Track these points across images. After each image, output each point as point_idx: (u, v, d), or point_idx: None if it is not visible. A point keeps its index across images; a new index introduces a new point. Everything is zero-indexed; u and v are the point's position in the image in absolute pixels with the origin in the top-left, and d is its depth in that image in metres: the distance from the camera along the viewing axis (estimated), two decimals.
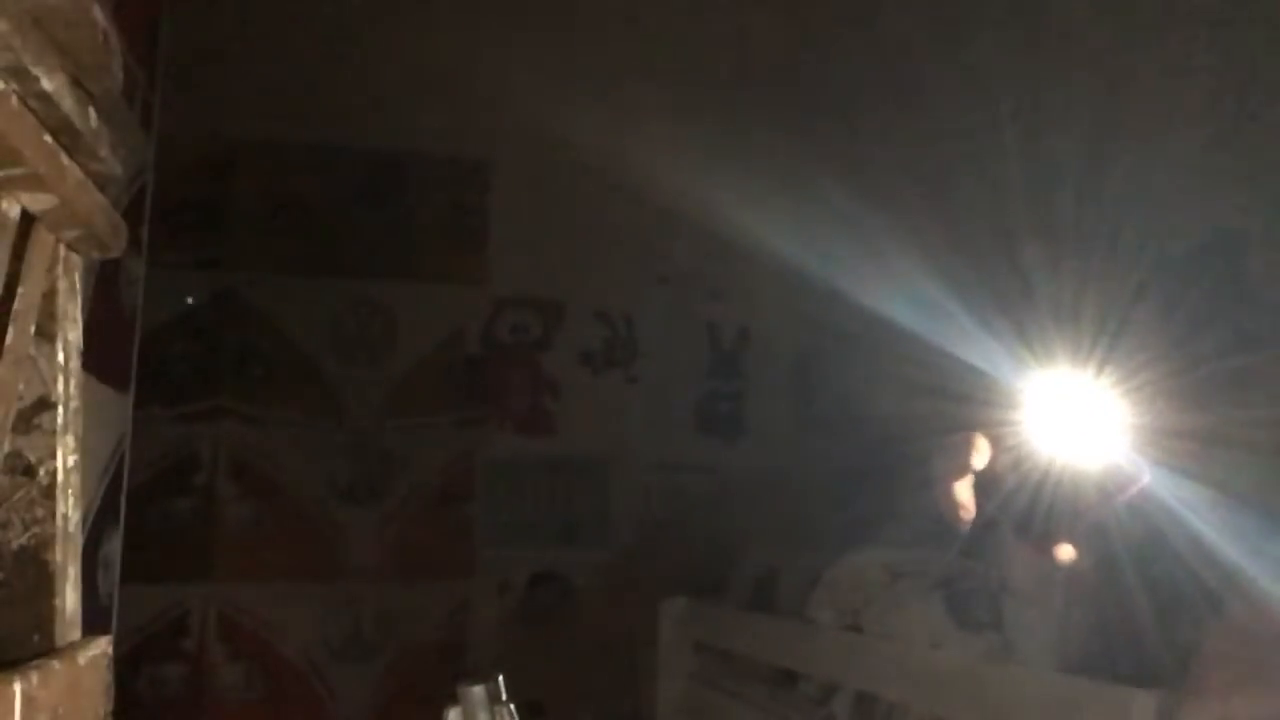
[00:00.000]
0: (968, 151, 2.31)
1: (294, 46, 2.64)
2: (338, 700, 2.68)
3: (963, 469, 1.00)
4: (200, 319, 2.68)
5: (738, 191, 2.28)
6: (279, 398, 2.71)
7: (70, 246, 0.66)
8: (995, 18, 2.27)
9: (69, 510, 0.64)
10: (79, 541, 0.66)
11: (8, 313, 0.57)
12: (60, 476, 0.63)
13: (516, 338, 2.93)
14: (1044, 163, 2.04)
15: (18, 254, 0.58)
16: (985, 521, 1.02)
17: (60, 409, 0.64)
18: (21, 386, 0.60)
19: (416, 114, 2.79)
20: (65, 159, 0.59)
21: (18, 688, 0.51)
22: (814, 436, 3.05)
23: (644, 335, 3.01)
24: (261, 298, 2.73)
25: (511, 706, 0.96)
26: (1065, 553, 0.99)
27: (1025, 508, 0.98)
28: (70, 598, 0.64)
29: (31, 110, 0.54)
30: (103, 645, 0.65)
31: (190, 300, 2.65)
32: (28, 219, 0.58)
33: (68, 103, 0.57)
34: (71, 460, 0.65)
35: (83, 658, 0.61)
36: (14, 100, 0.52)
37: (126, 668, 2.41)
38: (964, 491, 1.00)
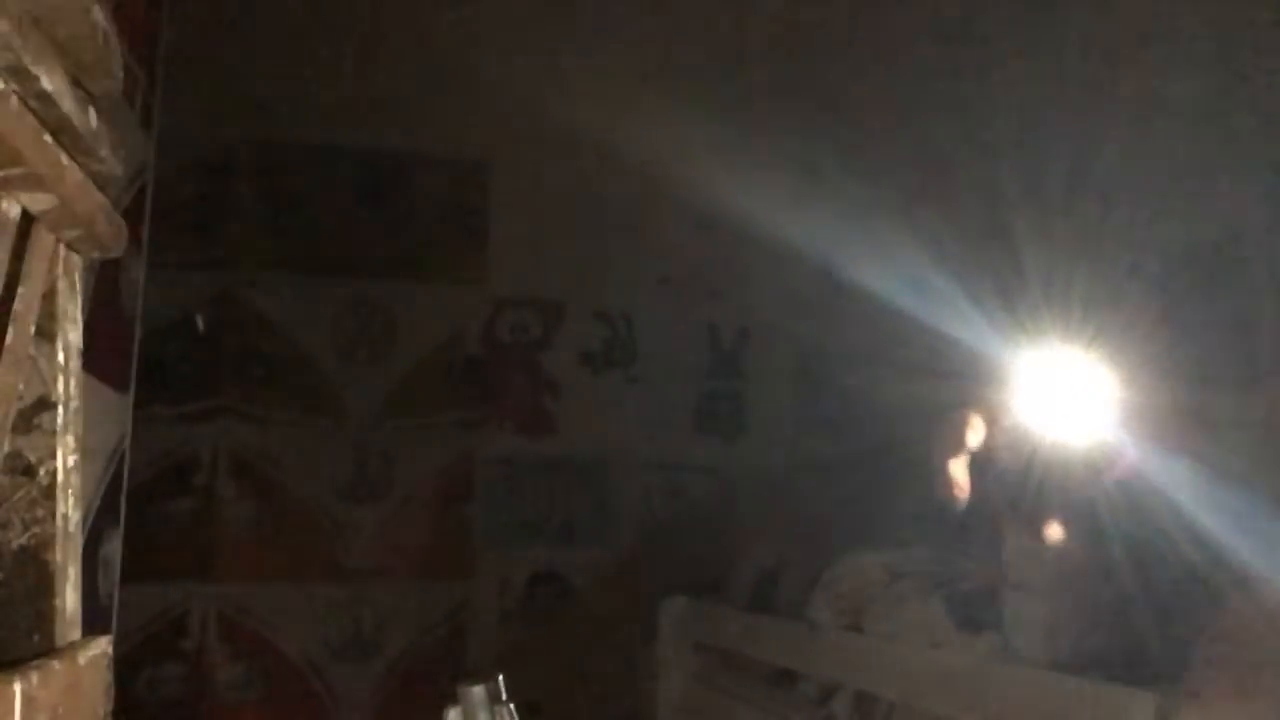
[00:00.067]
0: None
1: (294, 47, 2.64)
2: (338, 700, 2.68)
3: (957, 447, 1.00)
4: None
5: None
6: (279, 398, 2.71)
7: (70, 246, 0.66)
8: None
9: (69, 510, 0.64)
10: (79, 541, 0.66)
11: (8, 313, 0.56)
12: (60, 476, 0.63)
13: (516, 338, 2.93)
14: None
15: (18, 254, 0.58)
16: (980, 503, 1.02)
17: (60, 409, 0.64)
18: (21, 386, 0.60)
19: (416, 114, 2.79)
20: (65, 159, 0.59)
21: (18, 688, 0.51)
22: (814, 436, 3.05)
23: (644, 335, 3.01)
24: (261, 298, 2.72)
25: (511, 706, 0.96)
26: (1055, 531, 0.99)
27: (1016, 485, 0.98)
28: (70, 598, 0.64)
29: (31, 110, 0.54)
30: (103, 645, 0.65)
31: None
32: (28, 219, 0.58)
33: (68, 103, 0.57)
34: (71, 460, 0.65)
35: (83, 658, 0.61)
36: (14, 100, 0.52)
37: (126, 668, 2.40)
38: (959, 470, 1.01)
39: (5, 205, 0.55)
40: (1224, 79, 1.74)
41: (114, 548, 1.54)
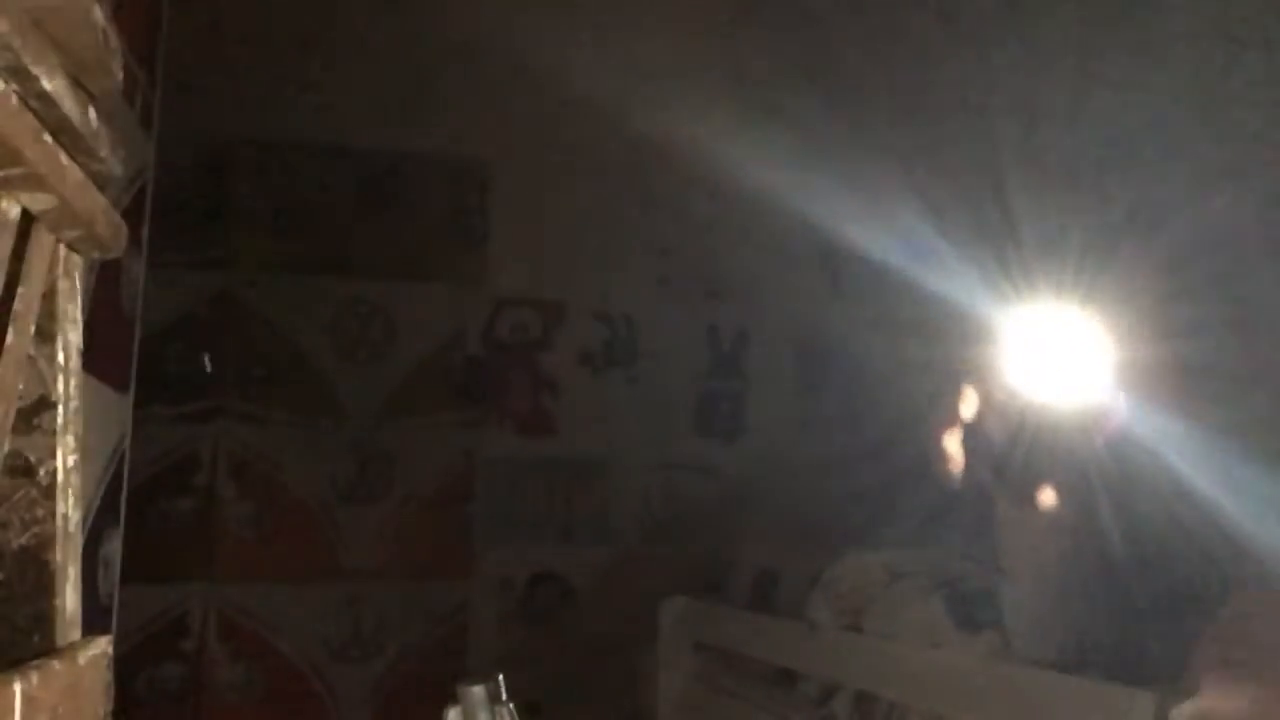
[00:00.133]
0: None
1: (294, 46, 2.65)
2: (338, 700, 2.68)
3: (951, 421, 1.00)
4: (200, 319, 2.68)
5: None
6: (279, 398, 2.71)
7: (70, 246, 0.66)
8: None
9: (69, 510, 0.64)
10: (79, 541, 0.66)
11: (8, 313, 0.56)
12: (60, 476, 0.63)
13: (516, 338, 2.93)
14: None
15: (18, 254, 0.58)
16: (971, 475, 1.02)
17: (60, 409, 0.64)
18: (21, 386, 0.60)
19: (416, 114, 2.79)
20: (65, 159, 0.59)
21: (18, 688, 0.51)
22: (814, 436, 3.05)
23: (644, 335, 3.01)
24: (261, 298, 2.72)
25: (511, 706, 0.96)
26: (1047, 497, 0.99)
27: (1004, 451, 0.98)
28: (70, 598, 0.64)
29: (31, 110, 0.54)
30: (103, 645, 0.65)
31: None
32: (28, 219, 0.58)
33: (68, 103, 0.57)
34: (71, 460, 0.65)
35: (83, 658, 0.61)
36: (14, 100, 0.52)
37: (126, 668, 2.40)
38: (952, 443, 1.01)
39: (5, 205, 0.55)
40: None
41: (114, 548, 1.55)
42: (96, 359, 1.15)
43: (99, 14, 0.60)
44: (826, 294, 3.07)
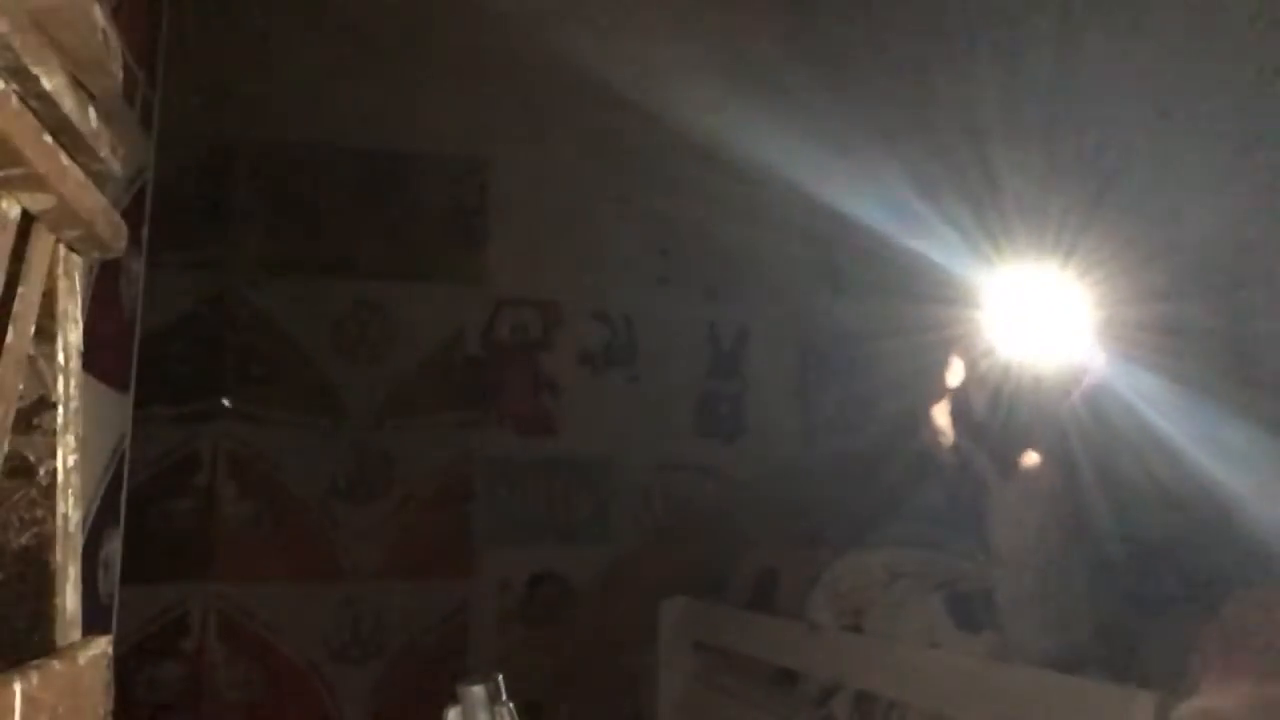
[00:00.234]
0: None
1: (294, 46, 2.65)
2: (338, 700, 2.68)
3: (939, 391, 1.00)
4: (200, 319, 2.68)
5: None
6: (279, 398, 2.71)
7: (70, 246, 0.66)
8: None
9: (69, 510, 0.64)
10: (79, 541, 0.66)
11: (8, 313, 0.56)
12: (60, 476, 0.63)
13: (516, 338, 2.93)
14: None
15: (18, 254, 0.58)
16: (962, 454, 1.02)
17: (60, 409, 0.64)
18: (21, 386, 0.60)
19: (416, 114, 2.79)
20: (65, 159, 0.59)
21: (18, 688, 0.51)
22: (814, 436, 3.06)
23: (644, 335, 3.01)
24: (261, 298, 2.73)
25: (511, 706, 0.96)
26: (1030, 459, 0.99)
27: (986, 419, 0.98)
28: (70, 598, 0.64)
29: (31, 110, 0.54)
30: (103, 645, 0.65)
31: (227, 402, 2.64)
32: (28, 219, 0.58)
33: (68, 103, 0.57)
34: (71, 460, 0.65)
35: (83, 658, 0.61)
36: (14, 100, 0.52)
37: (126, 668, 2.41)
38: (940, 416, 1.01)
39: (5, 205, 0.55)
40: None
41: (114, 548, 1.55)
42: (96, 359, 1.15)
43: (99, 14, 0.60)
44: (826, 294, 3.07)
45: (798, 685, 1.97)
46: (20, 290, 0.58)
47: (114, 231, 0.69)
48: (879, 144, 2.14)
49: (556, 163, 2.92)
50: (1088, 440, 1.03)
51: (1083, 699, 1.21)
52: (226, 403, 2.65)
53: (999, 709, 1.36)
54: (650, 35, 2.54)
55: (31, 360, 0.62)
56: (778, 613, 2.10)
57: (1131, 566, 1.35)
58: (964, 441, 1.06)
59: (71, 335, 0.67)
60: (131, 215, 1.39)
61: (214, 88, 2.52)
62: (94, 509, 1.42)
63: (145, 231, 1.61)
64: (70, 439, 0.65)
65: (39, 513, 0.62)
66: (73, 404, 0.66)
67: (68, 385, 0.65)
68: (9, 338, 0.56)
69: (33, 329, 0.61)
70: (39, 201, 0.57)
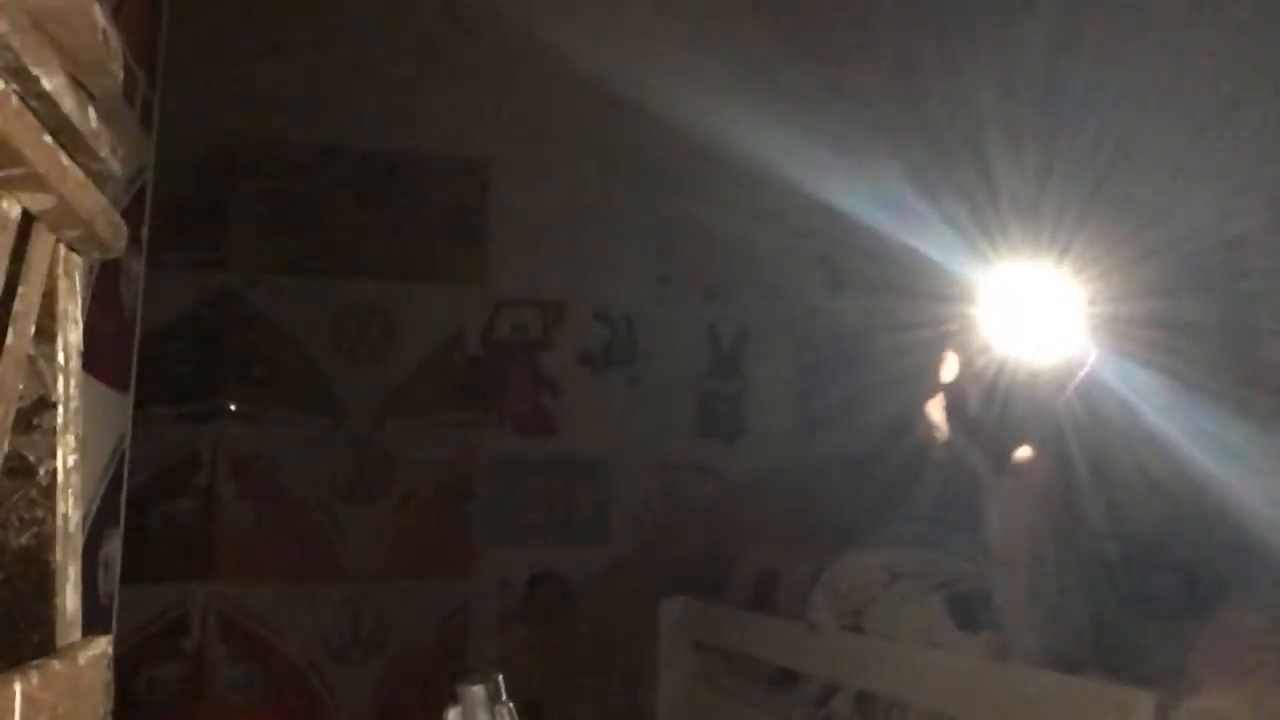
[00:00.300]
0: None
1: (294, 46, 2.64)
2: (338, 700, 2.68)
3: (934, 386, 1.00)
4: (200, 319, 2.68)
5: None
6: (279, 398, 2.71)
7: (70, 246, 0.66)
8: None
9: (69, 510, 0.64)
10: (79, 541, 0.66)
11: (8, 313, 0.56)
12: (60, 476, 0.63)
13: (516, 338, 2.93)
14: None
15: (18, 254, 0.58)
16: (956, 449, 1.02)
17: (60, 409, 0.64)
18: (21, 386, 0.60)
19: (416, 114, 2.79)
20: (65, 159, 0.59)
21: (18, 688, 0.51)
22: (814, 436, 3.06)
23: (644, 335, 3.02)
24: (261, 298, 2.73)
25: (511, 706, 0.96)
26: (1023, 454, 0.99)
27: (980, 414, 0.99)
28: (70, 598, 0.64)
29: (31, 110, 0.54)
30: (103, 645, 0.65)
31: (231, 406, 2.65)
32: (28, 219, 0.58)
33: (68, 103, 0.57)
34: (71, 460, 0.65)
35: (83, 658, 0.61)
36: (14, 100, 0.52)
37: (126, 668, 2.41)
38: (936, 410, 1.01)
39: (5, 205, 0.55)
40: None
41: (114, 548, 1.54)
42: (96, 359, 1.15)
43: (99, 14, 0.60)
44: (826, 294, 3.07)
45: (798, 685, 1.97)
46: (20, 290, 0.58)
47: (114, 231, 0.69)
48: (877, 143, 2.14)
49: (556, 163, 2.92)
50: (1082, 436, 1.04)
51: (1083, 699, 1.21)
52: (233, 407, 2.65)
53: (999, 709, 1.36)
54: (650, 35, 2.54)
55: (31, 360, 0.62)
56: (778, 613, 2.10)
57: (1127, 564, 1.35)
58: (958, 436, 1.06)
59: (71, 335, 0.67)
60: (131, 215, 1.39)
61: (214, 88, 2.52)
62: (94, 509, 1.42)
63: (145, 231, 1.61)
64: (70, 439, 0.65)
65: (39, 513, 0.62)
66: (73, 404, 0.66)
67: (68, 385, 0.65)
68: (9, 338, 0.56)
69: (33, 329, 0.61)
70: (39, 201, 0.57)
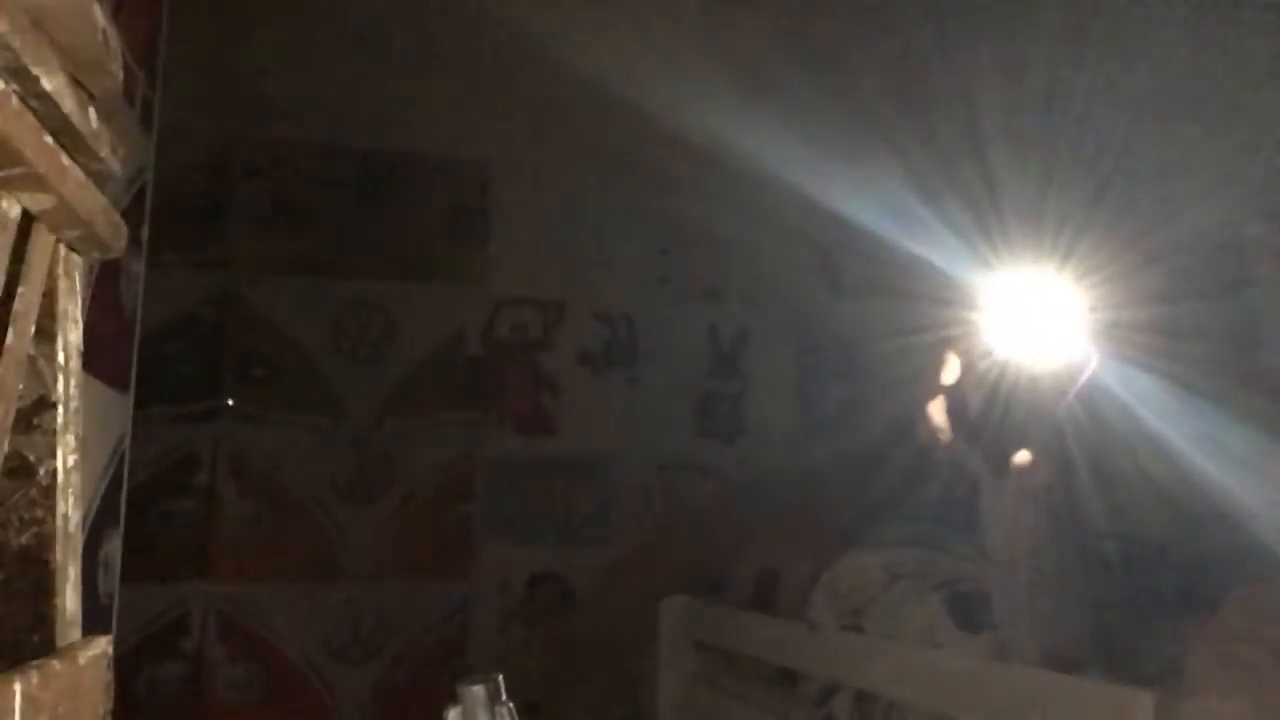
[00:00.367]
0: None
1: (294, 46, 2.64)
2: (338, 700, 2.68)
3: (935, 389, 1.01)
4: (200, 319, 2.68)
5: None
6: (279, 398, 2.71)
7: (70, 246, 0.66)
8: None
9: (69, 510, 0.64)
10: (79, 541, 0.66)
11: (8, 313, 0.56)
12: (60, 476, 0.63)
13: (516, 338, 2.93)
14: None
15: (18, 254, 0.58)
16: (957, 452, 1.02)
17: (60, 409, 0.64)
18: (21, 386, 0.60)
19: (416, 114, 2.79)
20: (65, 159, 0.59)
21: (18, 688, 0.51)
22: (814, 436, 3.06)
23: (644, 335, 3.02)
24: (262, 298, 2.73)
25: (511, 706, 0.96)
26: (1023, 458, 1.00)
27: (981, 417, 0.99)
28: (70, 598, 0.64)
29: (31, 110, 0.54)
30: (103, 645, 0.65)
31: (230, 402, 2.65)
32: (28, 219, 0.58)
33: (68, 103, 0.57)
34: (71, 460, 0.65)
35: (83, 658, 0.61)
36: (14, 100, 0.52)
37: (126, 668, 2.41)
38: (937, 412, 1.01)
39: (5, 205, 0.55)
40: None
41: (114, 548, 1.54)
42: (96, 359, 1.16)
43: (99, 14, 0.60)
44: (826, 294, 3.07)
45: (798, 685, 1.97)
46: (20, 290, 0.58)
47: (114, 231, 0.69)
48: (878, 145, 2.15)
49: (556, 163, 2.92)
50: (1083, 439, 1.04)
51: (1082, 699, 1.21)
52: (231, 402, 2.65)
53: (999, 709, 1.36)
54: (650, 36, 2.54)
55: (31, 360, 0.62)
56: (778, 613, 2.10)
57: (1127, 565, 1.36)
58: (959, 439, 1.06)
59: (71, 335, 0.67)
60: (131, 215, 1.39)
61: (214, 88, 2.52)
62: (94, 509, 1.42)
63: (145, 231, 1.61)
64: (70, 439, 0.65)
65: (39, 513, 0.62)
66: (73, 404, 0.66)
67: (68, 385, 0.65)
68: (9, 338, 0.56)
69: (33, 329, 0.61)
70: (39, 201, 0.58)
